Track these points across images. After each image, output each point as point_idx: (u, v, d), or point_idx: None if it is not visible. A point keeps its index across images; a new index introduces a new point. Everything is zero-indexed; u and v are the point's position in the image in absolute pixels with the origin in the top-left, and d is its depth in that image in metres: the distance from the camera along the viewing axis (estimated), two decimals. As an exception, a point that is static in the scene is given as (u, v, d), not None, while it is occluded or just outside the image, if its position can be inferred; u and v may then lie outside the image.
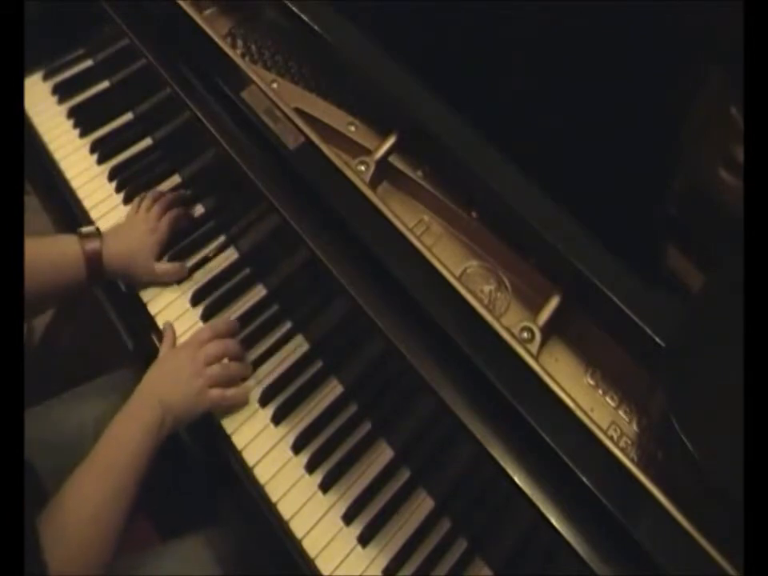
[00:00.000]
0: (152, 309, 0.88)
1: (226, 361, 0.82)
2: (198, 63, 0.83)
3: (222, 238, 0.94)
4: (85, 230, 0.87)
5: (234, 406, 0.81)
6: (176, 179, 0.99)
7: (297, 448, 0.80)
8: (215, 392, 0.79)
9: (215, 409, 0.80)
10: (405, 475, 0.79)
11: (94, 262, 0.85)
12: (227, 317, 0.88)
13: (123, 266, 0.88)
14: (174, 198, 0.95)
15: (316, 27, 0.80)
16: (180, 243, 0.93)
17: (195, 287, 0.90)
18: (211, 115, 0.81)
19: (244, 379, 0.84)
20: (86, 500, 0.68)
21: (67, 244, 0.85)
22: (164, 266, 0.89)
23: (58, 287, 0.86)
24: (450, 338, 0.63)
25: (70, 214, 0.99)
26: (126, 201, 0.98)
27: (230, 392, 0.81)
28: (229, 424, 0.80)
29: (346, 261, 0.70)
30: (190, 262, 0.92)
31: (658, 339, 0.60)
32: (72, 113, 1.06)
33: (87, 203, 0.98)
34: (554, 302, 0.69)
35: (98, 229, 0.88)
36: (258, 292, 0.90)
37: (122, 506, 0.70)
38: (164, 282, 0.90)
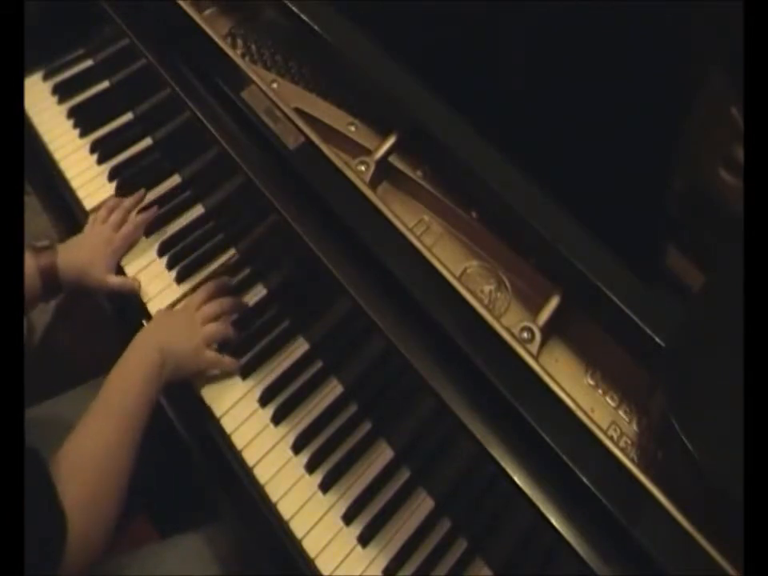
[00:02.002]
0: (152, 309, 0.88)
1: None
2: (198, 63, 0.83)
3: (221, 238, 0.94)
4: (39, 244, 0.86)
5: (228, 371, 0.83)
6: (176, 179, 0.99)
7: (297, 448, 0.80)
8: (211, 354, 0.82)
9: (210, 369, 0.82)
10: (405, 475, 0.79)
11: (49, 276, 0.84)
12: (221, 280, 0.89)
13: (76, 278, 0.87)
14: (131, 205, 0.94)
15: (316, 27, 0.80)
16: (180, 244, 0.93)
17: (197, 288, 0.90)
18: (211, 115, 0.81)
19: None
20: (96, 440, 0.69)
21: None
22: (117, 280, 0.89)
23: None
24: (449, 338, 0.63)
25: (69, 214, 0.99)
26: (126, 201, 0.97)
27: (226, 359, 0.83)
28: (229, 423, 0.80)
29: (346, 261, 0.70)
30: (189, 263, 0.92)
31: (657, 339, 0.60)
32: (72, 113, 1.06)
33: (87, 203, 0.98)
34: (553, 302, 0.69)
35: (51, 242, 0.87)
36: (258, 292, 0.90)
37: (128, 449, 0.70)
38: (167, 288, 0.89)
